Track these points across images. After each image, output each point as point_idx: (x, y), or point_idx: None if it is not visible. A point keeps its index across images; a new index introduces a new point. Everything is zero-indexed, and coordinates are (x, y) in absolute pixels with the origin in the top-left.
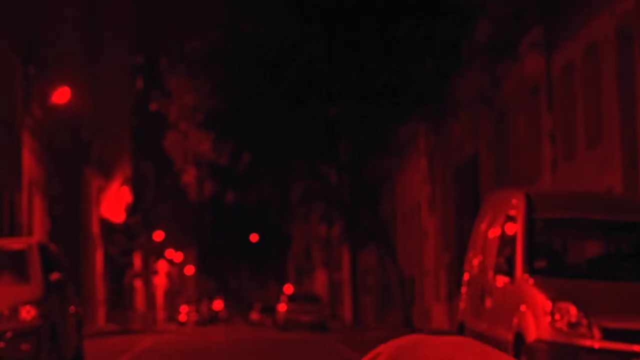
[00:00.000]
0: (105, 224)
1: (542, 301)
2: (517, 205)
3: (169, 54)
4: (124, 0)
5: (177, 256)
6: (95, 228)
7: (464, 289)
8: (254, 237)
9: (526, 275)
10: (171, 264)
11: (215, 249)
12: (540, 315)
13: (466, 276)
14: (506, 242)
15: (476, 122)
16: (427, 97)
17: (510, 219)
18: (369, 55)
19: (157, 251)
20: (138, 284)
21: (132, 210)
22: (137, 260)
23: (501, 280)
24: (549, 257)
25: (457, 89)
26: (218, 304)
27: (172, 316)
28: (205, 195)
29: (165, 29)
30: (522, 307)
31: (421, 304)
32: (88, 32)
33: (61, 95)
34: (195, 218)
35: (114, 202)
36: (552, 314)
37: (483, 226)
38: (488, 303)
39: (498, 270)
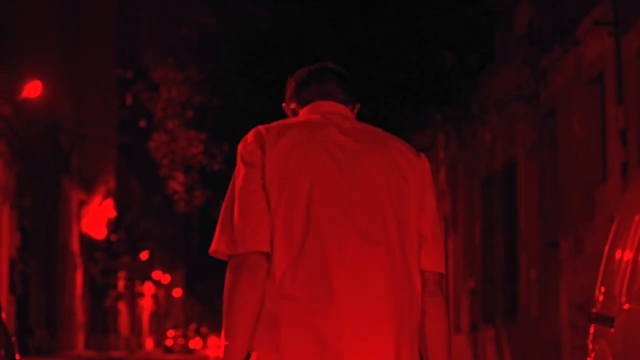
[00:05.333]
0: (86, 241)
1: None
2: None
3: (156, 43)
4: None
5: (165, 278)
6: (75, 245)
7: (592, 329)
8: None
9: None
10: (158, 286)
11: (203, 270)
12: None
13: (595, 309)
14: None
15: (512, 124)
16: (453, 96)
17: None
18: (385, 46)
19: (142, 272)
20: (121, 306)
21: (115, 226)
22: (121, 281)
23: None
24: None
25: (488, 88)
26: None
27: (158, 341)
28: (194, 205)
29: (151, 18)
30: None
31: None
32: (68, 31)
33: (32, 90)
34: (183, 235)
35: (96, 217)
36: None
37: (631, 241)
38: None
39: None
